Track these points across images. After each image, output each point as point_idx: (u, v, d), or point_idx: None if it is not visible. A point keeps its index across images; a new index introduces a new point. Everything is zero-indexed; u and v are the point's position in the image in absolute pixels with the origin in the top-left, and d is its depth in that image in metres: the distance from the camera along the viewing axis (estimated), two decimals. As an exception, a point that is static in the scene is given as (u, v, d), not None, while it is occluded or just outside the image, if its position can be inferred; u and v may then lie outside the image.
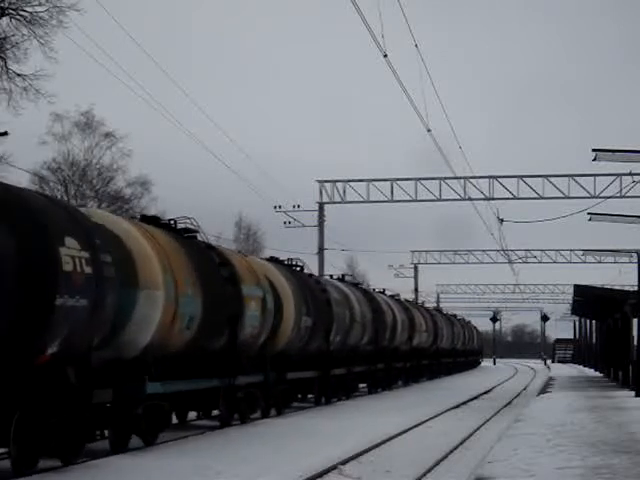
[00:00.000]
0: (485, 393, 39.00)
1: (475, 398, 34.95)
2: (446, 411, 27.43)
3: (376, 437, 18.51)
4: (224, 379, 19.49)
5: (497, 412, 28.45)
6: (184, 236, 18.75)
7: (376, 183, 43.41)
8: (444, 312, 62.59)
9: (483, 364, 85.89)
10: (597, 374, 56.92)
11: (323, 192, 44.31)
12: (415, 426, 22.05)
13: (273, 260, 26.03)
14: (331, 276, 33.65)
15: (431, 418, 24.54)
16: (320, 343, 26.98)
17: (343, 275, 34.85)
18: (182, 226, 18.97)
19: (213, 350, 18.89)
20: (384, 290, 41.93)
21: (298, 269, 27.56)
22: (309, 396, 28.53)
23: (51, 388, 12.87)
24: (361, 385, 35.01)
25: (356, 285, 35.74)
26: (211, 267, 18.91)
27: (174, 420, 19.71)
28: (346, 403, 29.29)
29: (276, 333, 22.60)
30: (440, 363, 53.67)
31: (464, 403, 31.60)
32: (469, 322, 77.86)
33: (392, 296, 42.38)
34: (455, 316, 66.96)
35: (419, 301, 66.46)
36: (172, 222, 18.76)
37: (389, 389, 37.56)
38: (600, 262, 63.17)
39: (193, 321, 16.99)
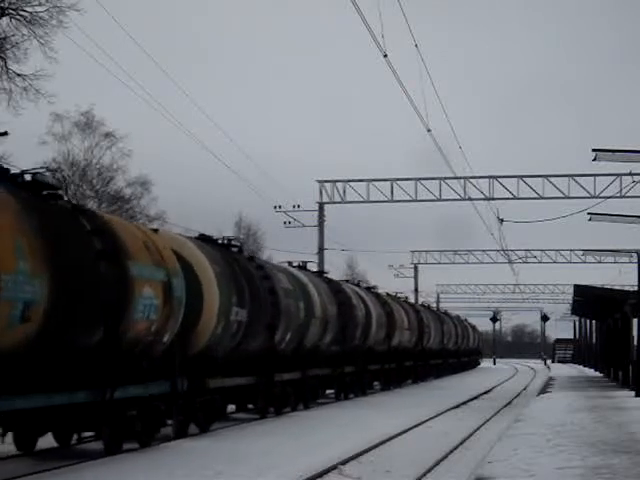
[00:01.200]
0: (486, 393, 39.01)
1: (475, 398, 34.97)
2: (441, 413, 27.25)
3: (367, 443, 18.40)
4: (96, 391, 14.21)
5: (497, 412, 28.45)
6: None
7: (376, 183, 43.42)
8: (432, 308, 58.47)
9: (483, 364, 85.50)
10: (597, 374, 56.91)
11: (323, 192, 44.33)
12: (413, 427, 21.79)
13: (200, 238, 20.32)
14: (290, 263, 29.05)
15: (430, 419, 24.44)
16: (262, 342, 21.81)
17: (304, 262, 29.92)
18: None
19: (79, 349, 13.75)
20: (359, 282, 38.80)
21: (235, 249, 22.24)
22: (251, 406, 23.71)
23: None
24: (330, 391, 31.34)
25: (320, 274, 31.34)
26: (74, 234, 13.72)
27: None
28: (301, 414, 24.42)
29: (192, 329, 17.54)
30: (427, 365, 48.45)
31: (457, 406, 31.56)
32: (465, 320, 75.17)
33: (369, 288, 38.11)
34: (446, 313, 63.94)
35: (419, 301, 66.31)
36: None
37: (363, 394, 33.30)
38: (600, 262, 63.19)
39: (32, 309, 11.97)
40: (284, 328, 23.36)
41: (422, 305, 54.14)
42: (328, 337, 28.04)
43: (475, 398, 35.01)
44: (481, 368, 79.09)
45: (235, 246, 22.29)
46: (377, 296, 37.67)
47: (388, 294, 42.07)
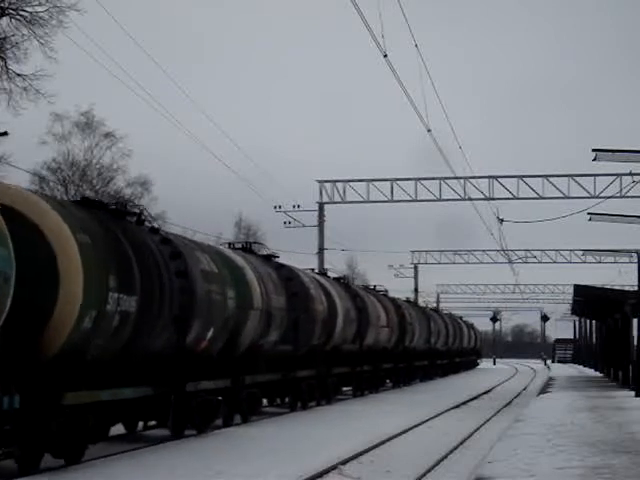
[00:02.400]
0: (485, 393, 39.01)
1: (475, 398, 34.98)
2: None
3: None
4: None
5: (497, 412, 28.45)
6: None
7: (376, 183, 43.41)
8: (418, 304, 53.80)
9: (482, 365, 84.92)
10: (597, 374, 56.92)
11: (323, 192, 44.32)
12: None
13: (80, 201, 16.01)
14: (230, 245, 24.58)
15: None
16: (168, 341, 16.71)
17: (248, 243, 25.28)
18: None
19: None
20: (326, 271, 34.73)
21: (134, 219, 17.07)
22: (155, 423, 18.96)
23: None
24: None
25: (269, 258, 25.59)
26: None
27: None
28: (235, 433, 19.17)
29: (44, 324, 13.02)
30: (411, 367, 43.74)
31: (458, 406, 31.54)
32: (459, 318, 71.69)
33: (338, 279, 33.59)
34: (437, 310, 60.36)
35: (419, 301, 66.22)
36: None
37: (327, 403, 28.48)
38: (600, 262, 63.15)
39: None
40: (203, 323, 17.94)
41: (407, 301, 48.05)
42: (274, 334, 22.71)
43: (475, 398, 35.02)
44: (479, 369, 77.09)
45: (131, 213, 17.08)
46: (347, 288, 32.80)
47: (366, 287, 38.92)
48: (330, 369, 28.92)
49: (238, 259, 21.74)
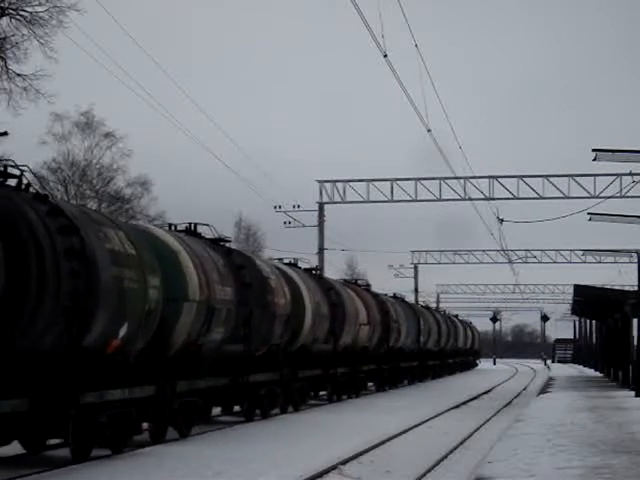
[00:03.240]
0: (486, 393, 39.01)
1: (475, 398, 34.97)
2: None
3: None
4: None
5: (497, 412, 28.45)
6: None
7: (376, 183, 43.44)
8: (405, 300, 47.30)
9: (482, 365, 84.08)
10: (597, 374, 56.91)
11: (323, 192, 44.34)
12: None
13: None
14: (171, 226, 20.41)
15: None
16: (57, 339, 13.34)
17: (192, 224, 20.58)
18: None
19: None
20: (296, 262, 28.91)
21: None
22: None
23: None
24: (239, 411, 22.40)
25: (216, 242, 21.23)
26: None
27: None
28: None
29: None
30: (397, 368, 39.55)
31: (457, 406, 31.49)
32: (455, 316, 68.92)
33: (310, 270, 29.83)
34: (428, 307, 55.91)
35: (419, 301, 66.19)
36: None
37: (295, 410, 25.30)
38: (600, 262, 63.19)
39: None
40: (111, 316, 14.30)
41: (394, 297, 43.53)
42: (219, 332, 19.18)
43: (475, 398, 35.01)
44: (477, 370, 73.87)
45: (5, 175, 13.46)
46: (319, 280, 29.42)
47: (346, 281, 36.30)
48: (296, 372, 24.91)
49: (171, 241, 17.93)
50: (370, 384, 36.78)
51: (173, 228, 19.99)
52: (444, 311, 65.30)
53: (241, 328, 20.31)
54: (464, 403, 31.65)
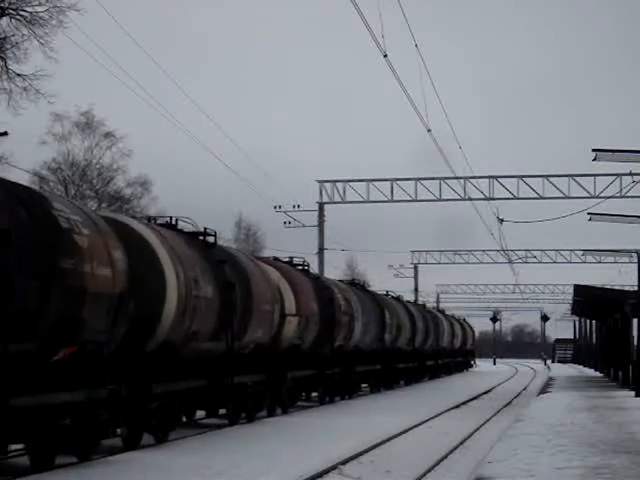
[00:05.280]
0: (485, 393, 39.01)
1: (475, 398, 34.96)
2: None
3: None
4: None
5: (497, 412, 28.45)
6: None
7: (376, 183, 43.45)
8: (366, 287, 39.51)
9: (482, 365, 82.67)
10: (597, 374, 56.92)
11: (323, 192, 44.35)
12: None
13: None
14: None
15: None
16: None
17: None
18: None
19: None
20: (175, 221, 20.02)
21: None
22: None
23: None
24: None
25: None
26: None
27: None
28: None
29: None
30: (350, 373, 31.47)
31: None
32: (442, 311, 62.29)
33: (196, 234, 20.13)
34: (398, 299, 44.06)
35: (419, 301, 66.03)
36: None
37: (234, 424, 20.44)
38: (600, 262, 63.22)
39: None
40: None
41: (352, 283, 36.28)
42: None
43: (475, 398, 35.01)
44: (472, 372, 67.32)
45: None
46: (207, 249, 19.56)
47: (275, 259, 28.07)
48: (148, 385, 16.22)
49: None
50: (314, 395, 29.76)
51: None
52: (424, 305, 55.64)
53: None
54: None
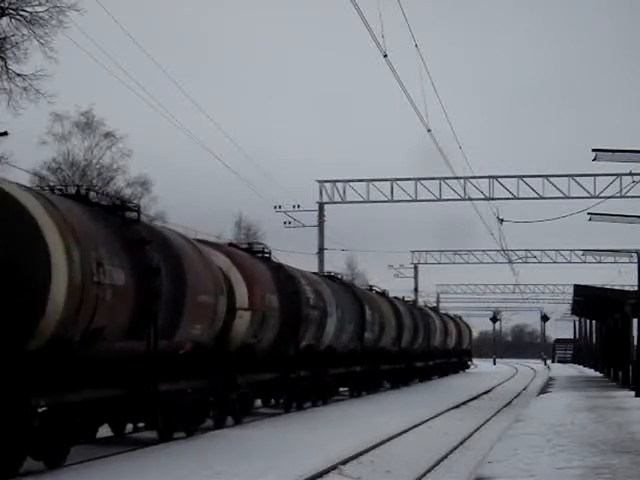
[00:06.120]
0: (485, 393, 39.01)
1: (475, 398, 34.95)
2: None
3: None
4: None
5: (497, 412, 28.45)
6: None
7: (376, 183, 43.44)
8: (344, 280, 35.28)
9: (481, 366, 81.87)
10: (597, 374, 56.92)
11: (323, 192, 44.35)
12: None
13: None
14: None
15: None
16: None
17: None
18: None
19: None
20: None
21: None
22: None
23: None
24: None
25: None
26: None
27: None
28: None
29: None
30: (324, 377, 28.01)
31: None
32: (433, 309, 58.82)
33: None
34: (383, 294, 39.97)
35: (419, 301, 65.99)
36: None
37: (166, 440, 17.23)
38: (600, 262, 63.21)
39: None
40: None
41: (328, 276, 32.76)
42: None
43: (475, 398, 35.01)
44: (468, 373, 64.80)
45: None
46: (126, 228, 16.11)
47: (231, 244, 24.59)
48: (25, 396, 12.78)
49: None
50: (273, 403, 26.89)
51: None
52: (414, 301, 50.90)
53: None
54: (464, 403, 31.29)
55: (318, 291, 27.26)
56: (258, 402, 25.48)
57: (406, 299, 47.58)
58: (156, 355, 15.93)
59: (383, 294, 40.01)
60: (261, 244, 25.59)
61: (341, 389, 31.88)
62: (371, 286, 40.57)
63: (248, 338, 21.15)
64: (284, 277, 24.69)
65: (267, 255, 24.99)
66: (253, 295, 21.24)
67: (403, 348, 40.55)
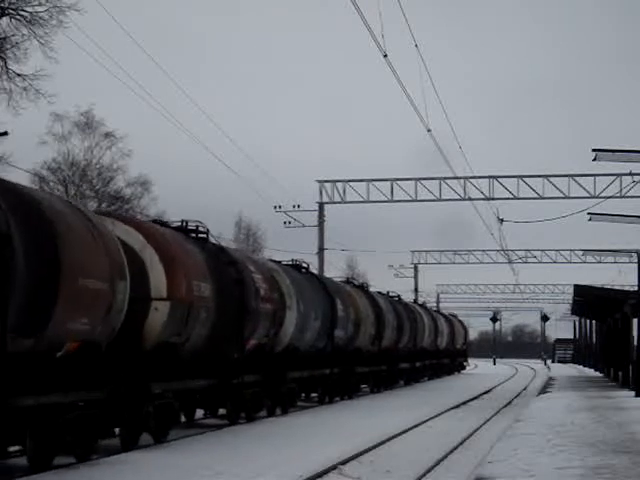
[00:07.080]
0: (485, 393, 38.99)
1: (475, 398, 34.93)
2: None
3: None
4: None
5: (497, 412, 28.44)
6: None
7: (376, 183, 43.44)
8: (311, 270, 29.51)
9: (480, 366, 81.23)
10: (597, 374, 56.92)
11: (323, 192, 44.36)
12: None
13: None
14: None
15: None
16: None
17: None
18: None
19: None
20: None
21: None
22: None
23: None
24: None
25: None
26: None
27: None
28: None
29: None
30: (284, 379, 23.76)
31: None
32: (422, 305, 54.90)
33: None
34: (362, 286, 36.32)
35: (419, 301, 65.92)
36: None
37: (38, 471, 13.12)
38: (600, 262, 63.24)
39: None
40: None
41: (294, 265, 27.84)
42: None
43: (475, 398, 34.99)
44: (471, 373, 63.49)
45: None
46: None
47: (136, 221, 19.11)
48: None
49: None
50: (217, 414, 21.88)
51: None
52: (398, 296, 44.04)
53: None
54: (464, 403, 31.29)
55: (273, 281, 22.97)
56: (200, 413, 21.94)
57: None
58: (7, 358, 11.54)
59: (362, 287, 35.87)
60: (198, 222, 20.04)
61: (313, 395, 29.34)
62: (348, 278, 37.55)
63: (168, 336, 16.58)
64: (223, 262, 19.99)
65: (203, 235, 20.00)
66: (174, 282, 16.62)
67: (384, 348, 36.09)
